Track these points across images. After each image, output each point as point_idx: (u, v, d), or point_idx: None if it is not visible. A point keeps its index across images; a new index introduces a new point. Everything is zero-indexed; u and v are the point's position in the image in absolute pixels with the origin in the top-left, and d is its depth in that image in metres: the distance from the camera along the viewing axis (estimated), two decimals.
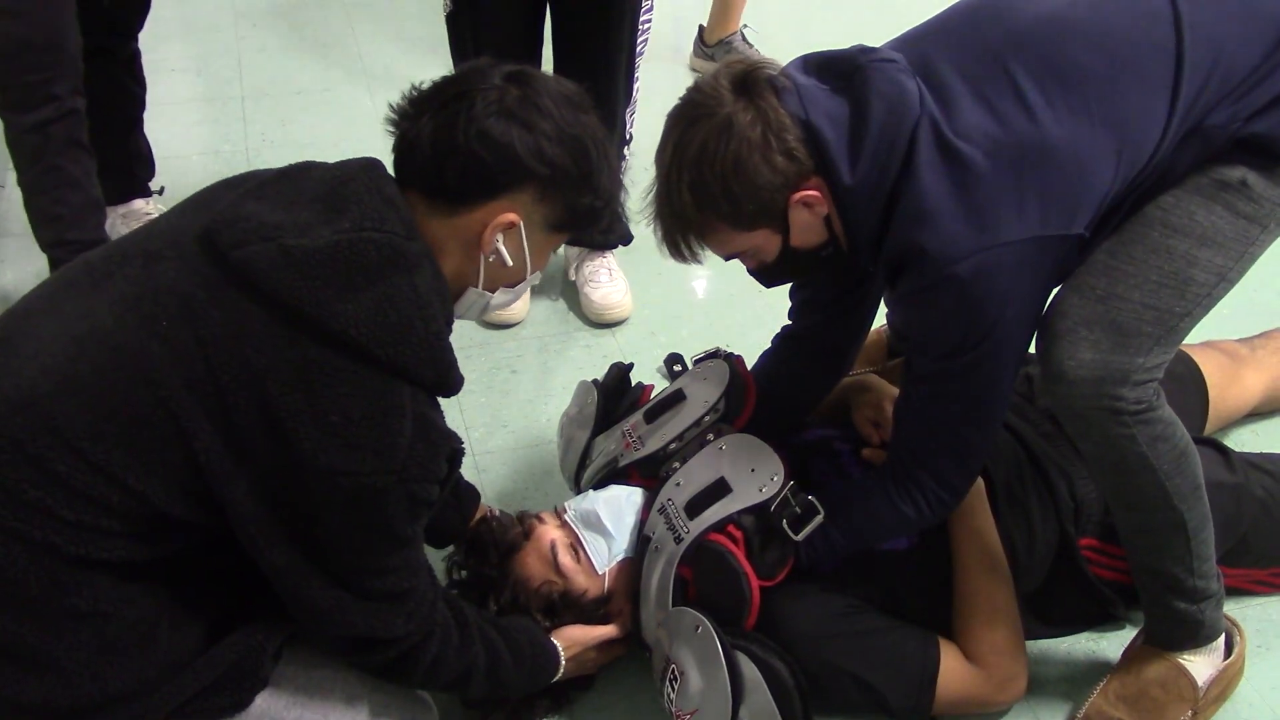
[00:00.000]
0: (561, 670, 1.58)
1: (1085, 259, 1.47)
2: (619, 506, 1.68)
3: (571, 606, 1.62)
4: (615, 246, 2.54)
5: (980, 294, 1.37)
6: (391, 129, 1.31)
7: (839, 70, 1.44)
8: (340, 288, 1.16)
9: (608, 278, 2.49)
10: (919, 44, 1.47)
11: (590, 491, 1.74)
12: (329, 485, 1.17)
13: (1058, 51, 1.40)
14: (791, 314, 1.83)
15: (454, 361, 1.26)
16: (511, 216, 1.28)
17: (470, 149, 1.24)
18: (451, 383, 1.26)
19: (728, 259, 1.54)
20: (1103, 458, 1.49)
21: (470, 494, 1.80)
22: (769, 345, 1.89)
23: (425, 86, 1.32)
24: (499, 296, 1.38)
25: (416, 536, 1.30)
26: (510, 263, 1.32)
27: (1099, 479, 1.57)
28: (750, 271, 1.59)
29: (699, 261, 1.52)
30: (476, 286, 1.34)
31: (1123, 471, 1.48)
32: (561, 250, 2.61)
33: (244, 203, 1.23)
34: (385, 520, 1.23)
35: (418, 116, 1.28)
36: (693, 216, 1.44)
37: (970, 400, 1.47)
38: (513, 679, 1.49)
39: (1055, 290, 1.47)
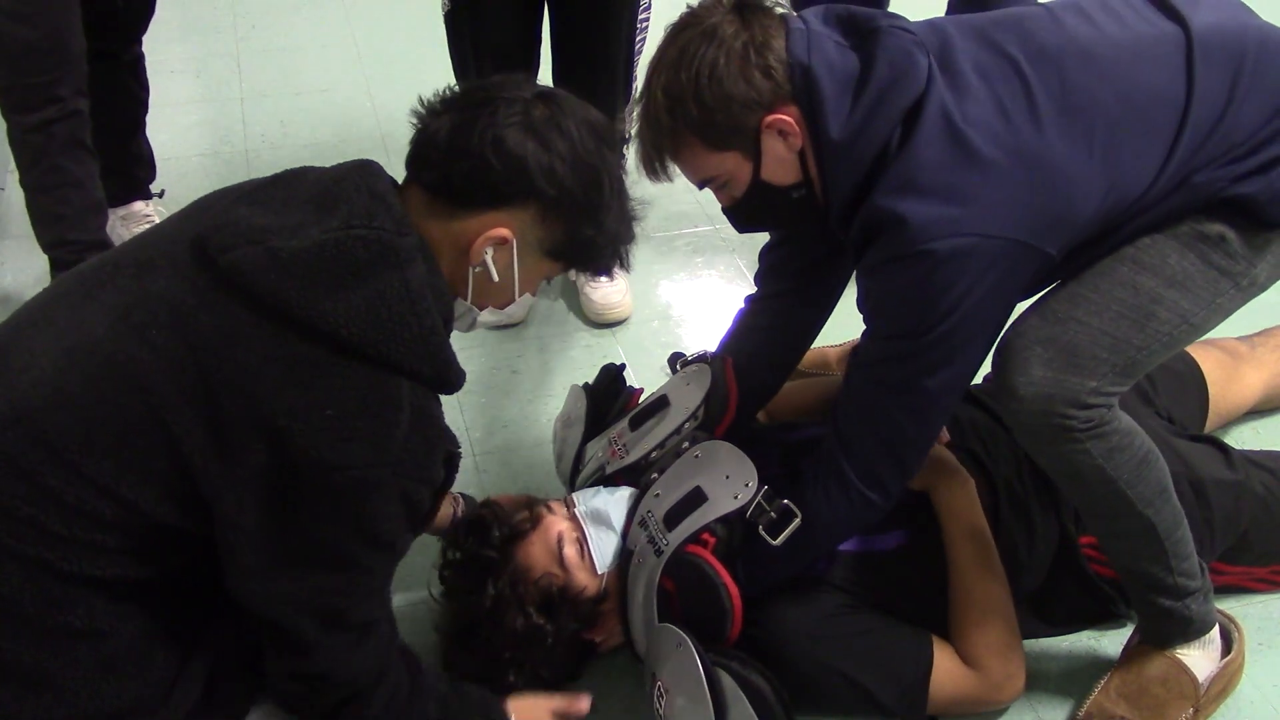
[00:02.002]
0: None
1: (1051, 288, 1.47)
2: (626, 507, 1.68)
3: (569, 602, 1.61)
4: None
5: (949, 275, 1.36)
6: (415, 121, 1.30)
7: (857, 27, 1.44)
8: (329, 287, 1.15)
9: (608, 278, 2.49)
10: (943, 29, 1.47)
11: (602, 489, 1.73)
12: (323, 482, 1.16)
13: (1077, 77, 1.40)
14: (757, 278, 1.83)
15: (452, 357, 1.25)
16: (504, 231, 1.25)
17: (481, 153, 1.23)
18: (450, 378, 1.25)
19: (700, 186, 1.52)
20: (1060, 472, 1.49)
21: None
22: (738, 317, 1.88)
23: (459, 89, 1.32)
24: (486, 315, 1.36)
25: (398, 551, 1.29)
26: (497, 278, 1.29)
27: (1064, 490, 1.57)
28: (724, 211, 1.57)
29: (670, 180, 1.51)
30: (465, 299, 1.32)
31: (1082, 484, 1.48)
32: None
33: (235, 208, 1.22)
34: (373, 519, 1.21)
35: (442, 114, 1.27)
36: (665, 123, 1.42)
37: (913, 390, 1.45)
38: None
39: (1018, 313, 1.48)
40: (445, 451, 1.26)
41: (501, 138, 1.22)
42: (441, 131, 1.25)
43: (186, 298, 1.17)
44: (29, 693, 1.18)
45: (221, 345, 1.15)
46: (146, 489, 1.17)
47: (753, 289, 1.85)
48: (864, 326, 1.53)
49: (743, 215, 1.56)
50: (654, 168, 1.49)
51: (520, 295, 1.34)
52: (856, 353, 1.52)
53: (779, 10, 1.45)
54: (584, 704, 1.60)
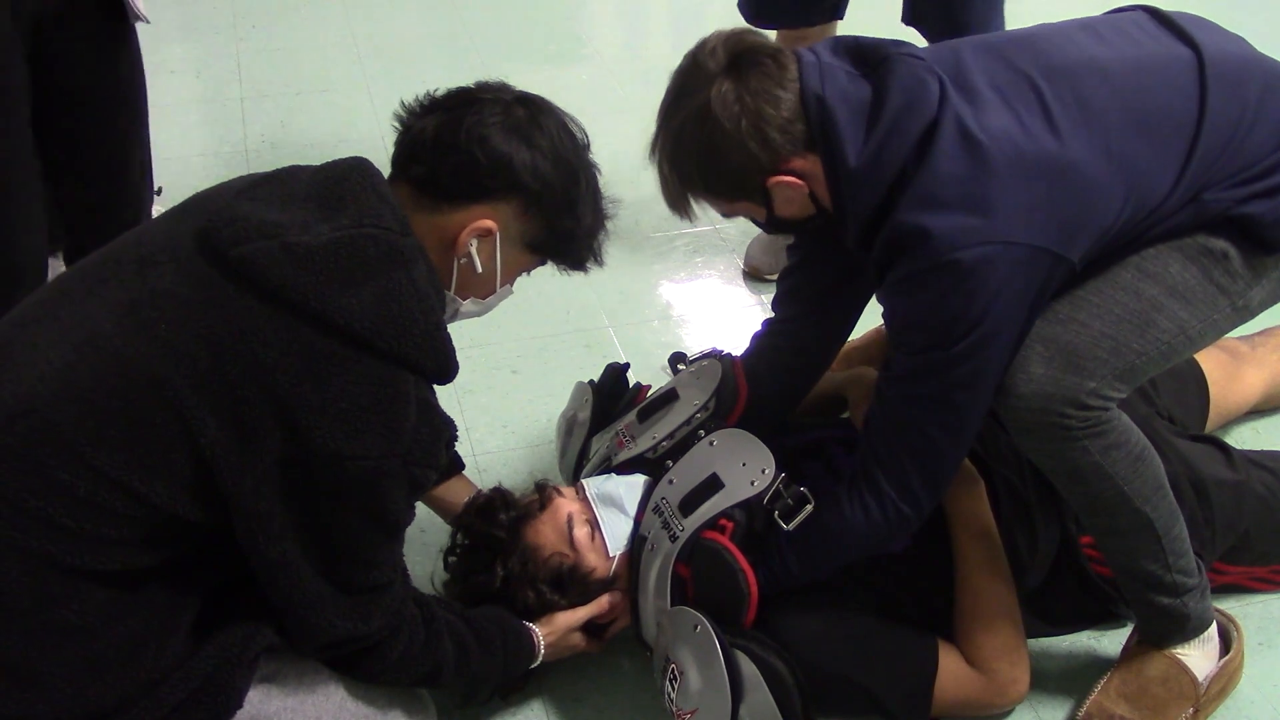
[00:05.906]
0: (541, 655, 1.58)
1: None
2: (639, 493, 1.68)
3: (578, 583, 1.62)
4: None
5: (975, 284, 1.37)
6: (397, 124, 1.36)
7: (868, 57, 1.48)
8: (342, 283, 1.19)
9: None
10: (957, 49, 1.50)
11: (613, 474, 1.74)
12: (337, 470, 1.20)
13: (1091, 91, 1.42)
14: (775, 302, 1.85)
15: (453, 350, 1.29)
16: (489, 223, 1.31)
17: (468, 149, 1.29)
18: (449, 371, 1.30)
19: (726, 217, 1.63)
20: (1057, 470, 1.50)
21: (455, 463, 1.81)
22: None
23: (440, 93, 1.37)
24: (469, 305, 1.41)
25: (405, 525, 1.34)
26: (480, 270, 1.35)
27: (1060, 489, 1.57)
28: (754, 221, 1.65)
29: (695, 216, 1.60)
30: (449, 290, 1.37)
31: (1079, 481, 1.48)
32: None
33: (238, 203, 1.25)
34: (384, 504, 1.25)
35: (426, 115, 1.33)
36: (677, 186, 1.53)
37: (944, 403, 1.46)
38: (486, 669, 1.50)
39: None
40: (447, 435, 1.30)
41: (486, 135, 1.29)
42: (428, 130, 1.31)
43: (194, 293, 1.19)
44: (13, 687, 1.18)
45: (236, 339, 1.17)
46: (159, 482, 1.18)
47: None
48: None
49: (771, 231, 1.69)
50: (676, 208, 1.57)
51: (501, 286, 1.40)
52: (887, 367, 1.53)
53: (771, 54, 1.46)
54: (605, 602, 1.64)
